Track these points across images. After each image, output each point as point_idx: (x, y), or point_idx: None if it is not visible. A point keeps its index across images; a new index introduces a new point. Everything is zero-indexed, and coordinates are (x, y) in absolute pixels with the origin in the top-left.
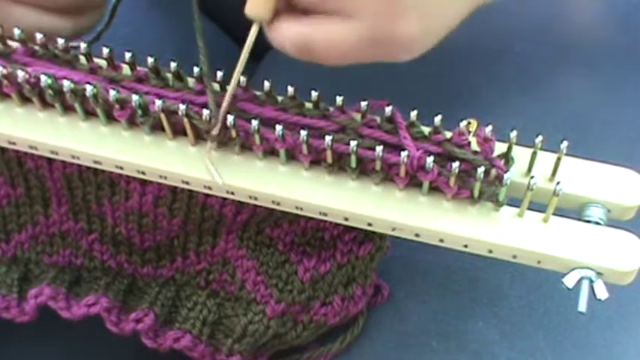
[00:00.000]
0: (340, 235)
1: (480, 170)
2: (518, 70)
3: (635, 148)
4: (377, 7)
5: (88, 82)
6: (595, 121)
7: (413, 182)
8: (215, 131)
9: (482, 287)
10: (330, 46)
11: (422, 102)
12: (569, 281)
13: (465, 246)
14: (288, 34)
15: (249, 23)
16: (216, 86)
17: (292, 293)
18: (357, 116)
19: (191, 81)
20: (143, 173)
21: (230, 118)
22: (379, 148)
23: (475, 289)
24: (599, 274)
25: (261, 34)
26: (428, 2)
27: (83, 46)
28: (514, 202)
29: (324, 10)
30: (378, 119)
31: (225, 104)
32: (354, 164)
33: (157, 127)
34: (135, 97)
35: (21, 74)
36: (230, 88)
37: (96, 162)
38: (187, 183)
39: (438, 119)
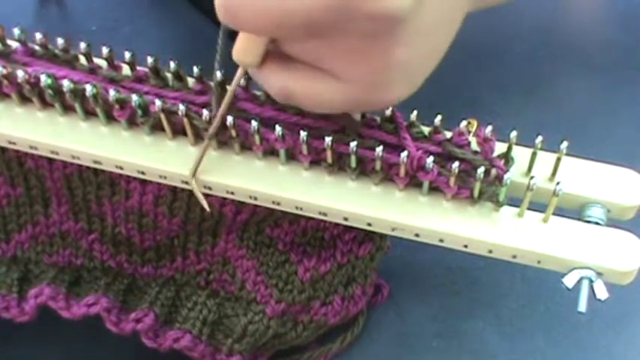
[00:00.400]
0: (340, 234)
1: (480, 170)
2: (519, 70)
3: (635, 148)
4: (366, 77)
5: (88, 82)
6: (595, 121)
7: (413, 182)
8: (211, 130)
9: (482, 287)
10: (312, 102)
11: (422, 102)
12: (569, 281)
13: (465, 246)
14: (272, 82)
15: None
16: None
17: (292, 293)
18: (357, 116)
19: (191, 81)
20: (143, 173)
21: (230, 119)
22: (379, 148)
23: (475, 289)
24: (599, 274)
25: None
26: (415, 64)
27: (83, 45)
28: (514, 202)
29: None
30: (378, 119)
31: (215, 123)
32: (354, 164)
33: (156, 127)
34: (134, 97)
35: (21, 74)
36: (222, 107)
37: (96, 162)
38: (187, 183)
39: (438, 119)
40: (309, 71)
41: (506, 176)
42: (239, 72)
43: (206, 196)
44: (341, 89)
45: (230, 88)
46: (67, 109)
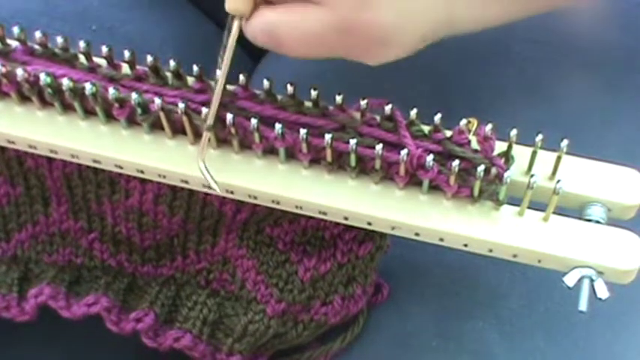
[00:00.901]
0: (340, 234)
1: (480, 169)
2: (519, 70)
3: (635, 147)
4: None
5: (87, 81)
6: (595, 121)
7: (413, 181)
8: (209, 121)
9: (482, 287)
10: (295, 34)
11: (422, 101)
12: (570, 280)
13: (465, 245)
14: (258, 22)
15: None
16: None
17: (292, 293)
18: (357, 115)
19: (190, 79)
20: (142, 172)
21: (229, 117)
22: (379, 147)
23: (475, 288)
24: (599, 273)
25: None
26: None
27: (82, 44)
28: (514, 201)
29: None
30: (378, 118)
31: (214, 104)
32: (353, 163)
33: (156, 126)
34: (134, 96)
35: (20, 73)
36: (218, 86)
37: (95, 161)
38: (186, 182)
39: (437, 118)
40: (293, 6)
41: (506, 175)
42: (234, 26)
43: (205, 194)
44: (326, 13)
45: (228, 47)
46: (67, 107)
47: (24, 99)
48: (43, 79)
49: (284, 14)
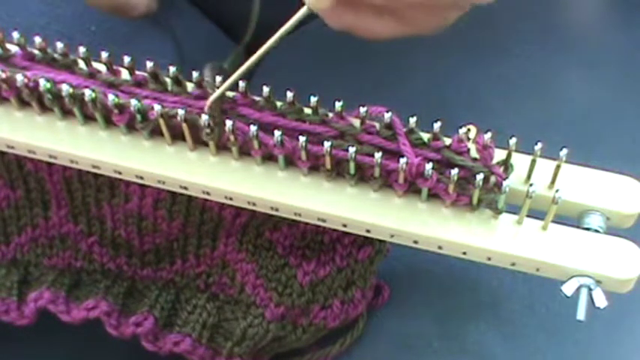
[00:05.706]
0: (340, 238)
1: (479, 177)
2: (519, 71)
3: (636, 147)
4: (434, 26)
5: (87, 87)
6: (595, 122)
7: (412, 189)
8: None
9: (483, 288)
10: (369, 36)
11: (422, 104)
12: (568, 289)
13: (464, 253)
14: (336, 21)
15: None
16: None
17: (292, 297)
18: (356, 122)
19: (190, 85)
20: (141, 178)
21: (229, 123)
22: (378, 155)
23: (476, 289)
24: (598, 282)
25: (259, 36)
26: None
27: (82, 50)
28: (513, 209)
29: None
30: (377, 125)
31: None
32: (352, 171)
33: (155, 132)
34: (133, 102)
35: (20, 78)
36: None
37: (94, 166)
38: (186, 188)
39: (437, 126)
40: (373, 12)
41: (505, 183)
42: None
43: (205, 200)
44: (402, 29)
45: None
46: (66, 113)
47: (24, 104)
48: (43, 84)
49: (364, 21)
